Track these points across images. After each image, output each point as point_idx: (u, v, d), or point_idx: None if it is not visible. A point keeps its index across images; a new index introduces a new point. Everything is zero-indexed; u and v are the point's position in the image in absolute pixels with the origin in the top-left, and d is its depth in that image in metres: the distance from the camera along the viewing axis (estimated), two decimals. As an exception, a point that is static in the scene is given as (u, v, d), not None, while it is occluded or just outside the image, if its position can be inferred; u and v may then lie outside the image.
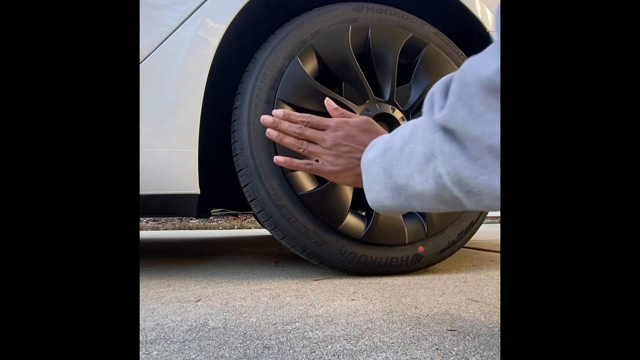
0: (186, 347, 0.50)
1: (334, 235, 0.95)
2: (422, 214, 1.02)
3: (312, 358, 0.46)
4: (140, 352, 0.48)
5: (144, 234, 3.63)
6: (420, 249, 1.01)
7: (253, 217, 4.22)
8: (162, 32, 0.91)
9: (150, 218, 5.24)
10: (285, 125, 0.56)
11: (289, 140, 0.57)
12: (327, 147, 0.54)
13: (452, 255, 1.12)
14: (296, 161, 0.58)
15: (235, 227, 4.87)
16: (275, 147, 0.93)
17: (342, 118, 0.57)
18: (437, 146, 0.35)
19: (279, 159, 0.59)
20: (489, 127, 0.30)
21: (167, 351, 0.49)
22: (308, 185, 0.95)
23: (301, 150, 0.57)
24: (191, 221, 5.25)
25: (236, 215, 4.36)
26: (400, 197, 0.42)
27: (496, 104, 0.29)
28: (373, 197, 0.46)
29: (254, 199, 0.93)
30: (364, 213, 1.04)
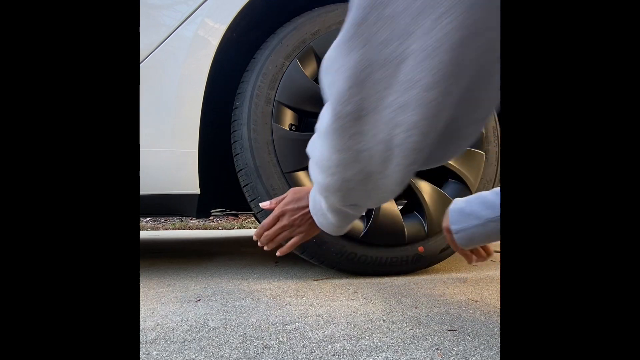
0: (186, 347, 0.50)
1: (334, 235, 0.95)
2: (422, 214, 1.02)
3: (312, 358, 0.46)
4: (140, 352, 0.48)
5: (144, 234, 3.63)
6: (421, 249, 1.01)
7: (253, 217, 4.22)
8: (162, 32, 0.91)
9: (150, 218, 5.24)
10: (263, 239, 0.73)
11: (271, 245, 0.74)
12: (289, 228, 0.71)
13: (452, 255, 1.12)
14: (283, 248, 0.73)
15: (235, 227, 4.87)
16: (275, 149, 0.93)
17: (279, 204, 0.72)
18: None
19: (283, 250, 0.74)
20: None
21: (167, 351, 0.49)
22: (308, 185, 0.95)
23: (281, 241, 0.74)
24: (191, 221, 5.24)
25: (236, 215, 4.36)
26: (326, 218, 0.57)
27: None
28: (319, 223, 0.62)
29: (254, 199, 0.93)
30: (363, 213, 1.04)
